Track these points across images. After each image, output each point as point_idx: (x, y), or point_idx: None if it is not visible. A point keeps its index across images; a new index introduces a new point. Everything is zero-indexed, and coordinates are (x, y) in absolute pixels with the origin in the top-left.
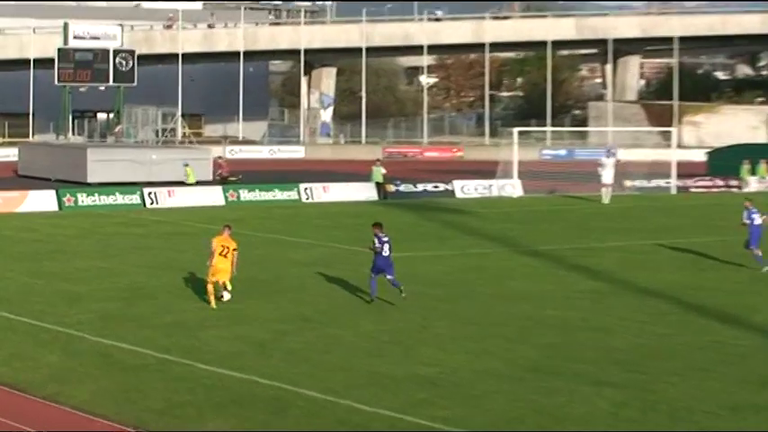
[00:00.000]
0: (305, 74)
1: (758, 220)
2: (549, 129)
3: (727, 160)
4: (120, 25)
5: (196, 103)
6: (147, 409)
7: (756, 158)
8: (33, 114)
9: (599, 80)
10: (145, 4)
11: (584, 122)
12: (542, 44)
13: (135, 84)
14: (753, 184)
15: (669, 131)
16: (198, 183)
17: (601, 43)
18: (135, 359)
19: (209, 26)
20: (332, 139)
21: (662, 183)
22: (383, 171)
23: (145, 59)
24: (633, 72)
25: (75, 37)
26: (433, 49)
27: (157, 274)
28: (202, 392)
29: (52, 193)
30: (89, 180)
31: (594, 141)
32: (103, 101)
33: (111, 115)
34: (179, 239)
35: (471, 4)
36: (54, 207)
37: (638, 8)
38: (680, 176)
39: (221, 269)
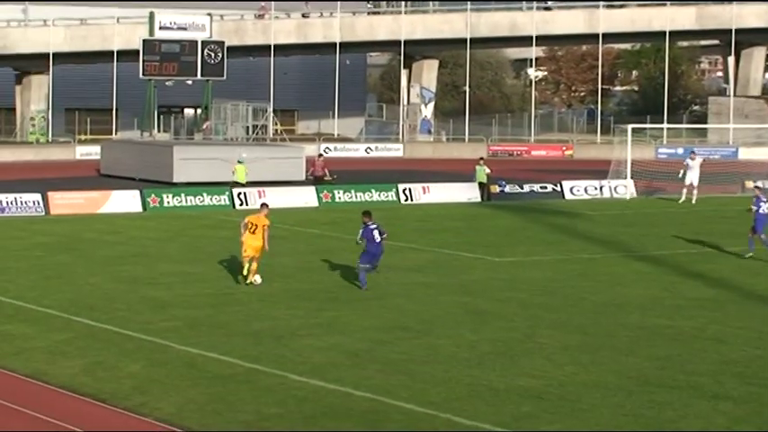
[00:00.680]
0: (405, 67)
1: (765, 208)
2: (665, 126)
3: None
4: (209, 15)
5: (289, 97)
6: (235, 420)
7: None
8: (117, 110)
9: (720, 74)
10: None
11: (703, 119)
12: (660, 34)
13: (224, 77)
14: None
15: None
16: (288, 182)
17: (723, 33)
18: (223, 369)
19: (304, 15)
20: (433, 137)
21: None
22: (487, 171)
23: (235, 51)
24: (758, 65)
25: (161, 27)
26: (543, 39)
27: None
28: (293, 404)
29: (136, 193)
30: (175, 180)
31: (715, 139)
32: (191, 96)
33: (199, 111)
34: (270, 243)
35: None
36: (138, 208)
37: None
38: None
39: (250, 245)
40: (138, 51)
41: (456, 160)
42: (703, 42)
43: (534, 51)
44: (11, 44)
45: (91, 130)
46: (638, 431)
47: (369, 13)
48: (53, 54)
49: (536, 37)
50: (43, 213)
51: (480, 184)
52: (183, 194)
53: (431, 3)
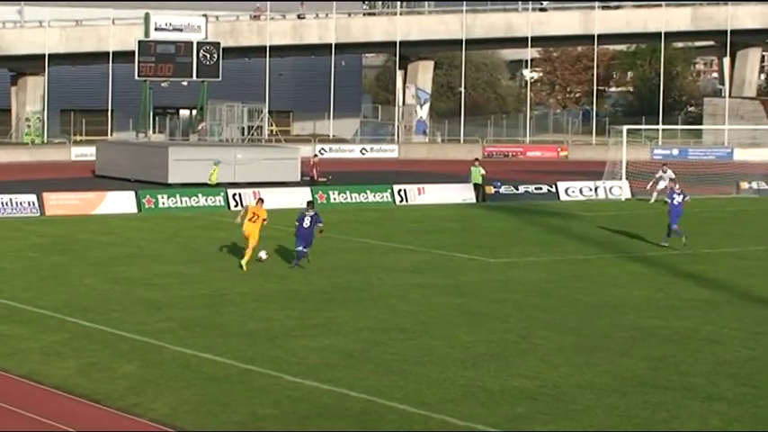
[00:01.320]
0: (400, 68)
1: (678, 199)
2: (660, 127)
3: None
4: (205, 16)
5: (284, 99)
6: (229, 421)
7: None
8: (112, 111)
9: (715, 75)
10: None
11: (698, 120)
12: (655, 35)
13: (219, 78)
14: None
15: None
16: (283, 183)
17: (719, 34)
18: (217, 370)
19: (299, 16)
20: (428, 138)
21: None
22: (482, 171)
23: (230, 52)
24: (753, 66)
25: (156, 29)
26: (538, 40)
27: (242, 281)
28: (288, 405)
29: (131, 194)
30: (170, 181)
31: (710, 140)
32: (186, 97)
33: (194, 112)
34: (266, 244)
35: None
36: (133, 209)
37: None
38: None
39: (250, 231)
40: (133, 52)
41: (451, 161)
42: (698, 43)
43: (530, 52)
44: (6, 45)
45: (86, 131)
46: None
47: (364, 14)
48: (49, 55)
49: (531, 38)
50: (38, 214)
51: (475, 185)
52: (178, 195)
53: (426, 3)
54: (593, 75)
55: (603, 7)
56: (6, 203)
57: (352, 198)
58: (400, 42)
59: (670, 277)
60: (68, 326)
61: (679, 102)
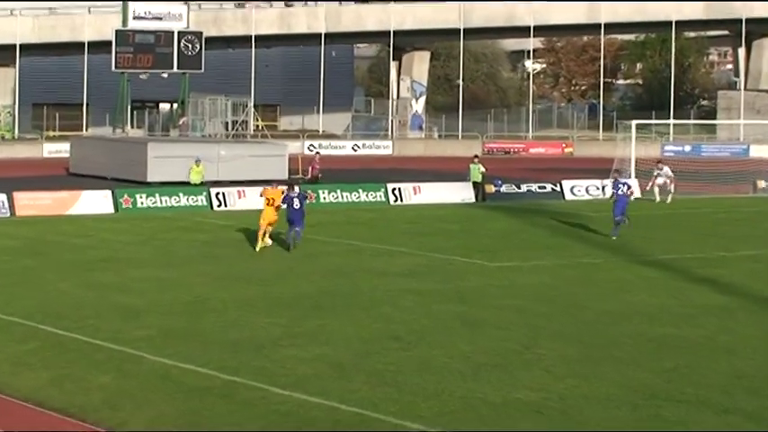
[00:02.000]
0: (394, 59)
1: (623, 189)
2: (671, 121)
3: None
4: (186, 3)
5: (271, 91)
6: None
7: None
8: (87, 105)
9: (730, 66)
10: None
11: (712, 114)
12: (666, 24)
13: (202, 70)
14: None
15: None
16: (270, 182)
17: (733, 23)
18: (199, 381)
19: (287, 4)
20: (424, 133)
21: None
22: (482, 169)
23: (213, 42)
24: None
25: (134, 17)
26: (541, 30)
27: (226, 286)
28: (275, 419)
29: (108, 193)
30: (149, 179)
31: (724, 136)
32: (166, 89)
33: (175, 106)
34: (249, 246)
35: None
36: (110, 209)
37: None
38: None
39: (271, 217)
40: (110, 42)
41: (449, 158)
42: (712, 33)
43: (532, 42)
44: None
45: (60, 125)
46: None
47: (356, 2)
48: (20, 45)
49: (534, 27)
50: (8, 215)
51: (475, 183)
52: (157, 195)
53: None
54: (599, 66)
55: None
56: None
57: (342, 197)
58: (394, 32)
59: (683, 282)
60: (40, 334)
61: (691, 95)
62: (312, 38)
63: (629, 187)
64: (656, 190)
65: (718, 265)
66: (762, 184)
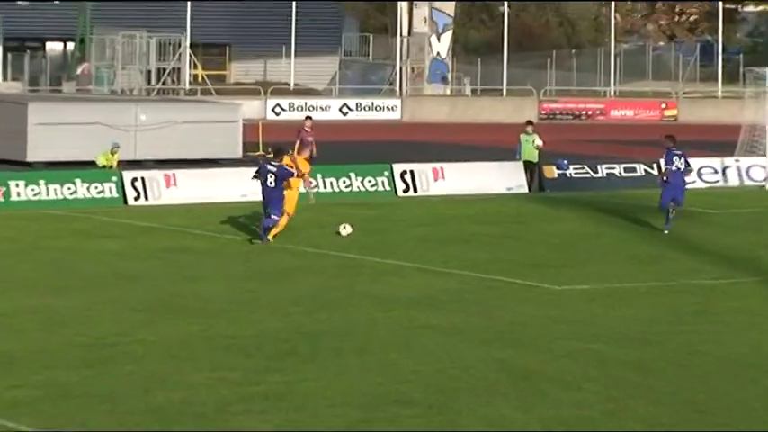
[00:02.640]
0: None
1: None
2: None
3: None
4: None
5: (216, 25)
6: None
7: None
8: None
9: None
10: None
11: None
12: None
13: None
14: None
15: None
16: (215, 162)
17: None
18: None
19: None
20: (450, 88)
21: None
22: (538, 142)
23: None
24: None
25: None
26: None
27: (148, 321)
28: None
29: None
30: (30, 158)
31: None
32: (57, 23)
33: (71, 46)
34: (185, 259)
35: None
36: None
37: None
38: None
39: (288, 200)
40: None
41: (487, 126)
42: None
43: None
44: None
45: None
46: None
47: None
48: None
49: None
50: None
51: (528, 164)
52: (42, 182)
53: None
54: None
55: None
56: None
57: (327, 187)
58: None
59: None
60: None
61: None
62: None
63: (688, 164)
64: None
65: None
66: None
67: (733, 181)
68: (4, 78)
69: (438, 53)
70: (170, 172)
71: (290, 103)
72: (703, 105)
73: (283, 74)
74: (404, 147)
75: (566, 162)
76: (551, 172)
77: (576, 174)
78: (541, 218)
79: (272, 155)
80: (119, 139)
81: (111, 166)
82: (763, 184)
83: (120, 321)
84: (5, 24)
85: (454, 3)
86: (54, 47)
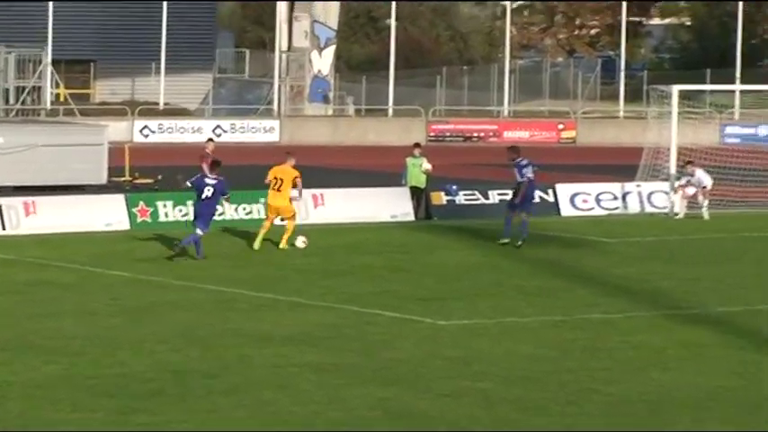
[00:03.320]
0: None
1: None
2: (737, 87)
3: None
4: None
5: (80, 42)
6: None
7: None
8: None
9: None
10: None
11: None
12: None
13: None
14: None
15: None
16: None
17: None
18: None
19: None
20: (332, 107)
21: None
22: (426, 166)
23: None
24: None
25: None
26: None
27: (4, 361)
28: None
29: None
30: None
31: None
32: None
33: None
34: (45, 294)
35: None
36: None
37: None
38: None
39: (277, 206)
40: None
41: (372, 148)
42: None
43: None
44: None
45: None
46: None
47: None
48: None
49: None
50: None
51: (414, 189)
52: None
53: None
54: None
55: None
56: None
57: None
58: None
59: (755, 353)
60: None
61: None
62: None
63: (534, 170)
64: (683, 203)
65: None
66: None
67: (634, 207)
68: None
69: (319, 70)
70: (29, 199)
71: (159, 125)
72: (604, 126)
73: (152, 92)
74: None
75: (455, 187)
76: (439, 198)
77: (466, 200)
78: (428, 248)
79: (139, 180)
80: None
81: None
82: (668, 210)
83: None
84: None
85: (338, 14)
86: None
